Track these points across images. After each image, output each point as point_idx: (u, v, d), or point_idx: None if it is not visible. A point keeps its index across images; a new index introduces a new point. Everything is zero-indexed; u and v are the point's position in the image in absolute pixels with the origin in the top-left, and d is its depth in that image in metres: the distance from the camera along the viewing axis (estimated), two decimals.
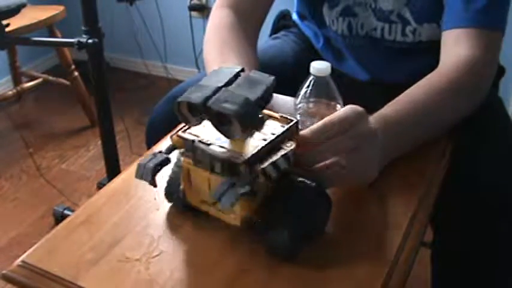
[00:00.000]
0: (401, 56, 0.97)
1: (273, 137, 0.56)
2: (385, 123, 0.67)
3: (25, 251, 0.59)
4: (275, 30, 1.17)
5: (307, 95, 0.72)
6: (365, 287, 0.54)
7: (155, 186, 0.58)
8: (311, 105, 0.73)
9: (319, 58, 0.95)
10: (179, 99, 0.55)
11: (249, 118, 0.53)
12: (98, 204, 0.66)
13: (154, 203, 0.66)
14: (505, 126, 0.86)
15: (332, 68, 0.72)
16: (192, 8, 2.39)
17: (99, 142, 1.59)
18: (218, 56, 0.84)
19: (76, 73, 2.18)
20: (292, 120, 0.59)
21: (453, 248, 0.81)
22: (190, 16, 2.40)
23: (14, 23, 1.75)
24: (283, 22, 1.17)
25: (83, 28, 1.37)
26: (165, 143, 0.61)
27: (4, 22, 1.42)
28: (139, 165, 0.58)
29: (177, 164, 0.62)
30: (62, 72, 2.23)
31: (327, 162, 0.60)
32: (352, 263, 0.56)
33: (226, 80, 0.56)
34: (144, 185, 0.68)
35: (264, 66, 0.83)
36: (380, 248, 0.59)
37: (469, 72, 0.76)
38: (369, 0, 0.93)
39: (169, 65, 2.56)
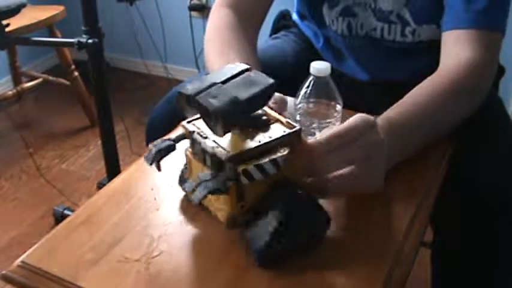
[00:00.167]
0: (401, 55, 0.97)
1: (267, 140, 0.56)
2: (390, 126, 0.67)
3: (25, 251, 0.59)
4: (275, 30, 1.17)
5: (307, 95, 0.72)
6: (365, 287, 0.54)
7: (159, 170, 0.59)
8: (311, 105, 0.73)
9: (319, 58, 0.95)
10: (178, 89, 0.56)
11: (230, 117, 0.53)
12: (98, 204, 0.65)
13: (154, 203, 0.66)
14: (505, 126, 0.86)
15: (332, 68, 0.71)
16: (192, 8, 2.39)
17: (99, 142, 1.59)
18: (218, 56, 0.84)
19: (76, 73, 2.18)
20: (294, 127, 0.58)
21: (453, 248, 0.81)
22: (190, 16, 2.40)
23: (14, 23, 1.75)
24: (283, 22, 1.17)
25: (83, 28, 1.37)
26: (178, 131, 0.62)
27: (4, 22, 1.42)
28: (149, 149, 0.60)
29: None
30: (62, 72, 2.23)
31: (339, 172, 0.59)
32: (353, 264, 0.56)
33: (226, 77, 0.57)
34: (144, 185, 0.69)
35: (264, 66, 0.83)
36: (380, 248, 0.58)
37: (470, 74, 0.76)
38: (369, 0, 0.93)
39: (169, 65, 2.56)
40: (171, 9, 2.44)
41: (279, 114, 0.60)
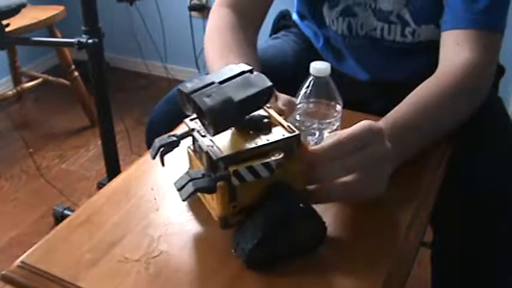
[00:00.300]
0: (401, 55, 0.97)
1: (263, 143, 0.55)
2: (392, 130, 0.66)
3: (25, 251, 0.59)
4: (275, 30, 1.17)
5: (307, 95, 0.72)
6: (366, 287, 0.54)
7: (162, 165, 0.59)
8: (311, 105, 0.73)
9: (319, 58, 0.95)
10: (179, 86, 0.57)
11: (221, 116, 0.53)
12: (98, 204, 0.65)
13: (154, 203, 0.66)
14: (504, 126, 0.86)
15: (332, 68, 0.71)
16: (192, 8, 2.40)
17: (99, 142, 1.59)
18: (218, 58, 0.84)
19: (76, 73, 2.18)
20: (294, 132, 0.57)
21: (453, 248, 0.81)
22: (190, 16, 2.40)
23: (14, 23, 1.75)
24: (283, 22, 1.17)
25: (83, 28, 1.37)
26: (183, 128, 0.62)
27: (4, 22, 1.42)
28: (153, 144, 0.60)
29: None
30: (62, 72, 2.23)
31: (341, 180, 0.59)
32: (353, 264, 0.56)
33: (224, 77, 0.57)
34: (144, 184, 0.69)
35: (264, 66, 0.83)
36: (380, 249, 0.58)
37: (469, 75, 0.76)
38: (369, 0, 0.93)
39: (169, 65, 2.56)
40: (171, 9, 2.44)
41: (285, 117, 0.60)
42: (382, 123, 0.66)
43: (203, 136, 0.58)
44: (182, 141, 0.60)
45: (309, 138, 0.73)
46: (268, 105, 0.60)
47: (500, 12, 0.81)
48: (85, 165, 2.00)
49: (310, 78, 0.72)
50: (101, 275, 0.55)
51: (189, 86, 0.55)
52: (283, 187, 0.56)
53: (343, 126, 0.73)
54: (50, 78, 2.28)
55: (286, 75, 0.76)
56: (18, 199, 1.82)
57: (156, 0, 2.39)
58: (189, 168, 0.65)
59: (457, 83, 0.75)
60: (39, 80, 2.26)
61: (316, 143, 0.73)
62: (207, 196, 0.60)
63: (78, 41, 1.37)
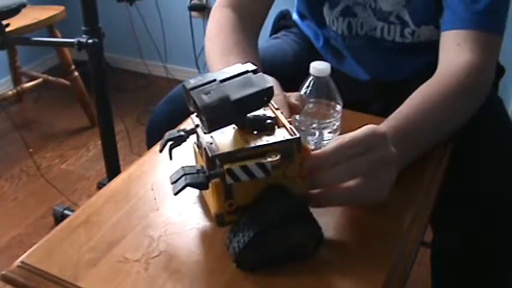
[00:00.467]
0: (401, 55, 0.97)
1: (261, 143, 0.55)
2: (396, 134, 0.65)
3: (25, 251, 0.59)
4: (275, 30, 1.17)
5: (307, 95, 0.72)
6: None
7: (170, 158, 0.60)
8: (311, 105, 0.73)
9: (319, 58, 0.95)
10: (183, 82, 0.57)
11: (216, 114, 0.53)
12: (98, 204, 0.65)
13: (154, 203, 0.66)
14: (504, 126, 0.86)
15: (332, 68, 0.71)
16: (192, 8, 2.39)
17: (99, 142, 1.59)
18: (219, 58, 0.84)
19: (76, 73, 2.18)
20: (295, 135, 0.56)
21: (453, 248, 0.81)
22: (190, 16, 2.40)
23: (14, 23, 1.76)
24: (283, 22, 1.17)
25: (83, 28, 1.38)
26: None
27: (4, 22, 1.42)
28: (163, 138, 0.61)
29: None
30: (62, 72, 2.23)
31: (343, 184, 0.58)
32: (353, 264, 0.56)
33: (226, 76, 0.57)
34: (144, 184, 0.69)
35: (264, 66, 0.83)
36: (380, 249, 0.58)
37: (470, 76, 0.76)
38: (369, 0, 0.93)
39: (169, 65, 2.56)
40: (171, 9, 2.44)
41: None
42: (384, 126, 0.66)
43: (205, 133, 0.57)
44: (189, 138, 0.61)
45: (309, 138, 0.73)
46: (276, 106, 0.60)
47: (500, 12, 0.81)
48: (85, 165, 2.00)
49: (310, 78, 0.72)
50: (100, 275, 0.55)
51: (192, 82, 0.56)
52: (279, 190, 0.56)
53: (343, 126, 0.73)
54: (50, 78, 2.28)
55: (286, 75, 0.75)
56: (18, 199, 1.82)
57: (156, 0, 2.39)
58: (196, 164, 0.65)
59: (458, 84, 0.75)
60: (39, 80, 2.26)
61: (316, 143, 0.73)
62: (207, 193, 0.60)
63: (78, 41, 1.37)
